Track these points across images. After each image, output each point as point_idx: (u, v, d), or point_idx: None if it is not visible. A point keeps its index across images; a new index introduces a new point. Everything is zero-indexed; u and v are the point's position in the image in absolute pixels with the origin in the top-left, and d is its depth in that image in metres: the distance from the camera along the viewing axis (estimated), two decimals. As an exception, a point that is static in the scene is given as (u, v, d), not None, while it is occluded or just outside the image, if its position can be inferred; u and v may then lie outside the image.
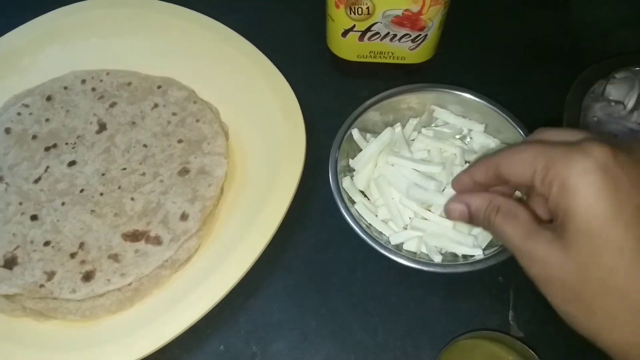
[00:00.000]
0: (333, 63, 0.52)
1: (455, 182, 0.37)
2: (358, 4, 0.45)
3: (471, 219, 0.35)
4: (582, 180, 0.27)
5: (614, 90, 0.47)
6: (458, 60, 0.54)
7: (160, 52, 0.51)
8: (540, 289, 0.31)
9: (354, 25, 0.46)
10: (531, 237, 0.30)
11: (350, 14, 0.45)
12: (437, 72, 0.52)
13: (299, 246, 0.44)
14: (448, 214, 0.36)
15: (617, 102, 0.47)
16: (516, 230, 0.31)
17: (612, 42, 0.55)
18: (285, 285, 0.43)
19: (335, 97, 0.51)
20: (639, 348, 0.28)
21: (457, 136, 0.47)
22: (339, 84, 0.53)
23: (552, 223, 0.30)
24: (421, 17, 0.45)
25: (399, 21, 0.46)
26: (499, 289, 0.43)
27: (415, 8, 0.44)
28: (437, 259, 0.40)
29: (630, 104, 0.47)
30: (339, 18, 0.46)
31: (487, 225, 0.34)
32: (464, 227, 0.41)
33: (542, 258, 0.30)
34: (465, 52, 0.54)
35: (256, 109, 0.48)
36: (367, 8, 0.45)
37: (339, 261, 0.44)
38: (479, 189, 0.36)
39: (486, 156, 0.34)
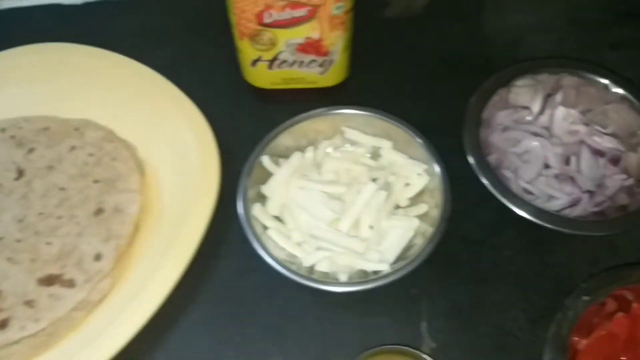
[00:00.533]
0: (251, 92, 0.53)
1: None
2: (260, 35, 0.46)
3: None
4: None
5: (519, 97, 0.48)
6: (373, 80, 0.55)
7: (80, 94, 0.52)
8: None
9: (261, 56, 0.48)
10: None
11: (254, 44, 0.47)
12: (353, 93, 0.53)
13: (216, 276, 0.45)
14: None
15: (524, 108, 0.48)
16: None
17: (523, 50, 0.56)
18: (202, 316, 0.43)
19: (254, 125, 0.52)
20: None
21: (368, 154, 0.48)
22: (257, 112, 0.54)
23: None
24: (322, 43, 0.46)
25: (303, 49, 0.47)
26: (412, 301, 0.44)
27: (315, 35, 0.46)
28: (343, 278, 0.41)
29: (536, 108, 0.48)
30: (245, 49, 0.48)
31: None
32: (370, 243, 0.42)
33: None
34: (380, 71, 0.56)
35: (172, 144, 0.49)
36: (269, 39, 0.46)
37: (255, 288, 0.44)
38: None
39: None
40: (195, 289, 0.44)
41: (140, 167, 0.48)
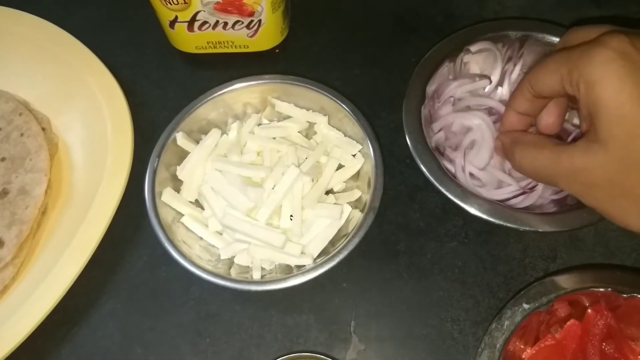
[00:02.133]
0: (180, 58, 0.48)
1: (503, 124, 0.37)
2: (171, -7, 0.40)
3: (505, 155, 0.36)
4: (604, 71, 0.27)
5: (475, 64, 0.42)
6: (316, 43, 0.48)
7: (-8, 61, 0.47)
8: (586, 201, 0.31)
9: (177, 16, 0.42)
10: (564, 156, 0.30)
11: (167, 4, 0.41)
12: (293, 59, 0.47)
13: (130, 266, 0.41)
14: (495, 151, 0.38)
15: (482, 77, 0.42)
16: (545, 156, 0.31)
17: (490, 7, 0.49)
18: (113, 310, 0.40)
19: (182, 95, 0.47)
20: None
21: (301, 131, 0.42)
22: (186, 80, 0.48)
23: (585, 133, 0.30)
24: (244, 1, 0.40)
25: (222, 8, 0.41)
26: (342, 297, 0.39)
27: (233, -8, 0.39)
28: (256, 275, 0.37)
29: (495, 78, 0.42)
30: (158, 9, 0.42)
31: (512, 162, 0.34)
32: (291, 235, 0.37)
33: (581, 168, 0.29)
34: (325, 32, 0.49)
35: (87, 118, 0.44)
36: (182, -4, 0.40)
37: (172, 280, 0.40)
38: (528, 121, 0.36)
39: (518, 85, 0.35)
40: (106, 280, 0.41)
41: (52, 143, 0.44)
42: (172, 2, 0.40)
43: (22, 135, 0.44)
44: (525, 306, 0.33)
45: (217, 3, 0.40)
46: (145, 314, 0.39)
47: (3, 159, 0.43)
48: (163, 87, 0.48)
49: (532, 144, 0.33)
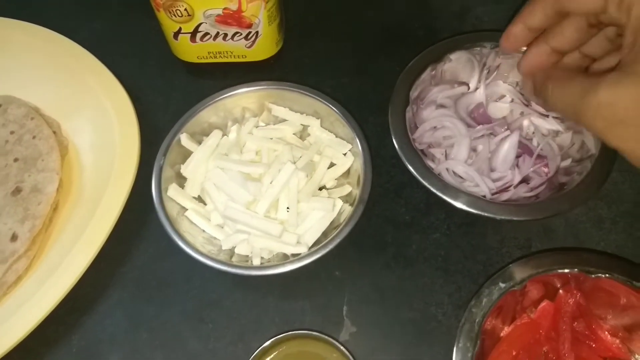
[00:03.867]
0: (181, 67, 0.51)
1: (507, 37, 0.35)
2: (175, 6, 0.43)
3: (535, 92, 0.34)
4: None
5: (454, 71, 0.46)
6: (309, 53, 0.52)
7: (4, 69, 0.51)
8: (608, 140, 0.28)
9: (180, 28, 0.45)
10: (591, 89, 0.27)
11: (171, 16, 0.44)
12: (287, 67, 0.51)
13: (136, 258, 0.44)
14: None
15: (461, 83, 0.46)
16: (572, 89, 0.29)
17: (469, 21, 0.53)
18: (120, 299, 0.42)
19: (184, 101, 0.50)
20: None
21: (296, 133, 0.46)
22: (187, 87, 0.52)
23: (618, 64, 0.28)
24: (243, 14, 0.44)
25: (223, 20, 0.44)
26: (335, 284, 0.42)
27: (233, 6, 0.43)
28: (256, 261, 0.40)
29: (473, 84, 0.46)
30: (163, 21, 0.45)
31: (545, 99, 0.32)
32: (288, 225, 0.41)
33: (607, 102, 0.26)
34: (317, 43, 0.53)
35: (95, 122, 0.47)
36: (185, 10, 0.44)
37: (176, 270, 0.43)
38: (530, 38, 0.34)
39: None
40: (114, 271, 0.43)
41: (62, 145, 0.47)
42: (176, 15, 0.44)
43: (34, 137, 0.47)
44: (502, 285, 0.37)
45: (218, 15, 0.44)
46: (150, 303, 0.42)
47: (16, 160, 0.46)
48: (166, 95, 0.51)
49: (563, 77, 0.31)
